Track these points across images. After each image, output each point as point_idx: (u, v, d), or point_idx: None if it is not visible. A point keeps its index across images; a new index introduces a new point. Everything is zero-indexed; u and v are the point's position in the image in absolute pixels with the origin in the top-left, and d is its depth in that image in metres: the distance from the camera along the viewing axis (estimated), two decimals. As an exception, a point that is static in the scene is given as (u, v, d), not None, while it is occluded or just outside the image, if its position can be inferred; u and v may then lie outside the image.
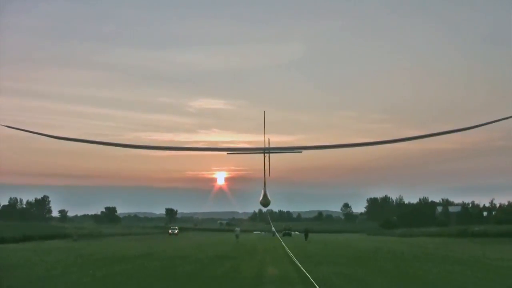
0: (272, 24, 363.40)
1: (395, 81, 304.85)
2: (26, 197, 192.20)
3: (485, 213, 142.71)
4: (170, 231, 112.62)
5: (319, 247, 47.99)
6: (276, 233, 52.55)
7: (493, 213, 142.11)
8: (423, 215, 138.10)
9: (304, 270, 22.54)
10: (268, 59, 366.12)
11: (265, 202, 17.30)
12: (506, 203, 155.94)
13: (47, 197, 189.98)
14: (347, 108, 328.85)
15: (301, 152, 17.79)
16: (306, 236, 73.07)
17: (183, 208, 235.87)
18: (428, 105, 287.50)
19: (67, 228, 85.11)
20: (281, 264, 28.30)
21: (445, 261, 30.63)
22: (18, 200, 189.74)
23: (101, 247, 47.16)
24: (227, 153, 18.24)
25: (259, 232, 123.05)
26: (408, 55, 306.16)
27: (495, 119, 13.72)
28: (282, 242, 29.45)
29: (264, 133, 17.81)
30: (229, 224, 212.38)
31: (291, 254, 23.92)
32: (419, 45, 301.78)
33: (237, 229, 75.84)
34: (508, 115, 13.28)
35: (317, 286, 17.68)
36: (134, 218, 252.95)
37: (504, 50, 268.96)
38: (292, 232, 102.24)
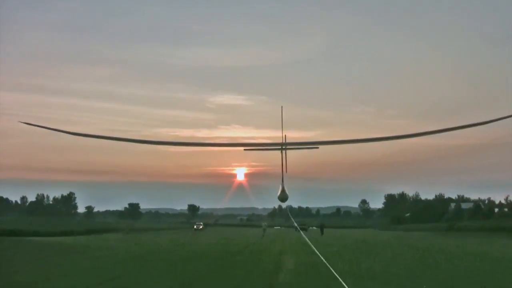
0: (290, 20, 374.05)
1: (412, 77, 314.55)
2: (52, 193, 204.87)
3: (496, 210, 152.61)
4: (195, 227, 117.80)
5: (328, 239, 60.81)
6: (298, 227, 59.88)
7: (505, 209, 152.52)
8: (435, 211, 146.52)
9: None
10: (287, 55, 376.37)
11: (283, 197, 17.24)
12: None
13: (73, 193, 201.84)
14: (365, 104, 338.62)
15: (318, 147, 17.77)
16: (321, 231, 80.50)
17: (203, 204, 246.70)
18: (446, 101, 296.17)
19: (116, 224, 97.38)
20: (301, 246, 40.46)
21: (397, 247, 42.81)
22: (45, 196, 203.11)
23: (155, 238, 59.80)
24: (244, 149, 17.97)
25: (279, 227, 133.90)
26: (426, 51, 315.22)
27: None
28: (303, 234, 39.87)
29: (282, 129, 17.91)
30: (249, 220, 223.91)
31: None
32: (436, 41, 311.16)
33: (264, 223, 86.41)
34: None
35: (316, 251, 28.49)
36: (155, 214, 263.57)
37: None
38: (309, 227, 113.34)
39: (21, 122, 13.80)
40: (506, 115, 13.11)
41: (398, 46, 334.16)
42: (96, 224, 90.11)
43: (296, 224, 48.17)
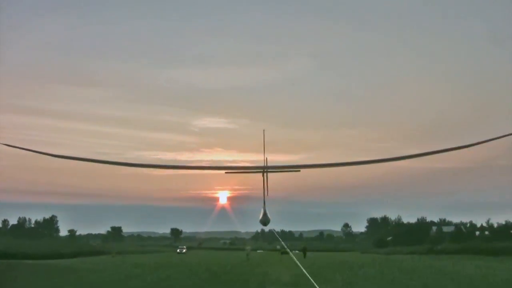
0: (273, 42, 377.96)
1: (395, 99, 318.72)
2: (34, 216, 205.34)
3: (477, 233, 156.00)
4: (178, 250, 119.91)
5: (308, 261, 63.50)
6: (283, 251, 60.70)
7: (485, 232, 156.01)
8: (417, 234, 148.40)
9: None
10: (271, 77, 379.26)
11: (265, 220, 17.63)
12: (504, 223, 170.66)
13: (55, 216, 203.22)
14: (349, 127, 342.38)
15: (299, 171, 18.16)
16: (304, 254, 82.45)
17: (185, 227, 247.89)
18: (430, 123, 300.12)
19: (101, 247, 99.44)
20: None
21: (368, 265, 45.57)
22: (27, 219, 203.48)
23: (144, 259, 62.03)
24: (225, 172, 18.66)
25: (261, 251, 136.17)
26: (410, 73, 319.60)
27: (494, 136, 13.48)
28: (291, 255, 41.58)
29: (264, 152, 18.40)
30: (232, 244, 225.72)
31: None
32: (422, 63, 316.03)
33: (248, 248, 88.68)
34: (508, 133, 13.37)
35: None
36: (137, 238, 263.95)
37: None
38: (292, 251, 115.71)
39: (2, 143, 14.25)
40: (489, 137, 13.82)
41: (383, 69, 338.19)
42: (84, 246, 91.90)
43: (283, 246, 50.01)
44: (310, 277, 24.39)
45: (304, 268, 25.27)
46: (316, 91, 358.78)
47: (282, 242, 55.41)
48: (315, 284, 23.19)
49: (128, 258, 69.15)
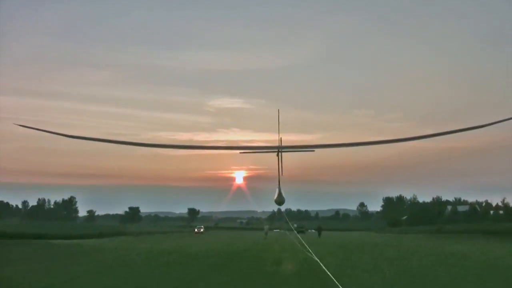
0: (289, 23, 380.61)
1: (412, 80, 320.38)
2: (52, 197, 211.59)
3: (492, 212, 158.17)
4: (196, 230, 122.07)
5: (322, 240, 67.13)
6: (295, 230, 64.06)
7: (500, 212, 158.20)
8: (432, 214, 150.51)
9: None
10: (286, 58, 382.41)
11: (280, 200, 17.68)
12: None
13: (74, 197, 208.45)
14: (364, 107, 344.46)
15: (314, 151, 18.21)
16: (319, 233, 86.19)
17: (202, 207, 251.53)
18: (445, 104, 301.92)
19: (121, 228, 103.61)
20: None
21: (374, 246, 48.75)
22: (46, 200, 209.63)
23: (165, 241, 65.85)
24: (240, 152, 18.62)
25: (278, 230, 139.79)
26: (424, 54, 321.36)
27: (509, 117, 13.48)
28: (298, 236, 43.61)
29: (279, 132, 18.23)
30: (248, 223, 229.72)
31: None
32: (435, 44, 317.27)
33: (266, 227, 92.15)
34: None
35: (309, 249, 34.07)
36: (154, 218, 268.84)
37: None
38: (308, 230, 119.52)
39: (16, 124, 14.61)
40: (504, 117, 13.76)
41: (397, 49, 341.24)
42: (104, 227, 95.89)
43: (292, 227, 52.90)
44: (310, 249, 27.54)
45: (314, 246, 27.95)
46: (332, 74, 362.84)
47: (292, 226, 58.01)
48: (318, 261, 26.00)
49: (151, 239, 72.95)
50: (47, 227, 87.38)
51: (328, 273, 19.48)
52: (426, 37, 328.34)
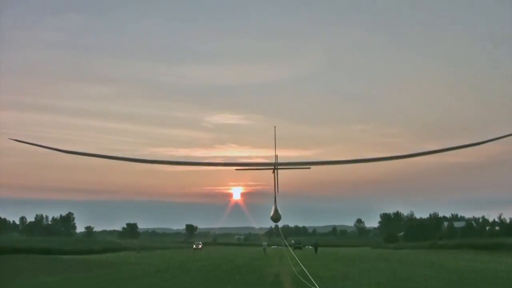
0: (287, 37, 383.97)
1: (410, 95, 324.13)
2: (51, 213, 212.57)
3: (488, 228, 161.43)
4: (194, 246, 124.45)
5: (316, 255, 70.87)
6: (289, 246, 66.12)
7: (496, 228, 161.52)
8: (428, 230, 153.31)
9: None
10: (285, 73, 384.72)
11: (276, 217, 17.93)
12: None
13: (72, 213, 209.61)
14: (362, 122, 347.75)
15: (310, 167, 18.32)
16: (316, 249, 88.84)
17: (199, 223, 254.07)
18: (444, 119, 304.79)
19: (124, 243, 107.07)
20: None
21: (366, 260, 51.97)
22: (44, 216, 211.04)
23: (167, 255, 69.30)
24: (236, 169, 18.73)
25: (276, 246, 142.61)
26: (424, 69, 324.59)
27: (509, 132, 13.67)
28: (292, 252, 46.01)
29: (275, 148, 18.49)
30: (246, 239, 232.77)
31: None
32: (436, 58, 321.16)
33: (265, 243, 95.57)
34: None
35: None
36: (152, 234, 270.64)
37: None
38: (305, 246, 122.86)
39: (11, 139, 14.56)
40: (504, 132, 13.81)
41: (396, 64, 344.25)
42: (108, 244, 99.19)
43: (289, 243, 55.87)
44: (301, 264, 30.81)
45: (310, 260, 31.01)
46: (329, 88, 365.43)
47: (286, 242, 59.93)
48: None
49: (154, 254, 76.40)
50: (47, 242, 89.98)
51: (314, 283, 21.91)
52: (425, 51, 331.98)
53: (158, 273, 35.21)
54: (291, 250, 37.28)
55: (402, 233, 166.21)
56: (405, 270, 36.19)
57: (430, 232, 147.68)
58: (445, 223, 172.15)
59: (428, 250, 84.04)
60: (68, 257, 60.21)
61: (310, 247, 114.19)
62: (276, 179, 18.72)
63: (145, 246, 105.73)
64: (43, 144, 15.34)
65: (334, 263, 46.28)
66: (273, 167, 18.51)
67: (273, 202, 18.61)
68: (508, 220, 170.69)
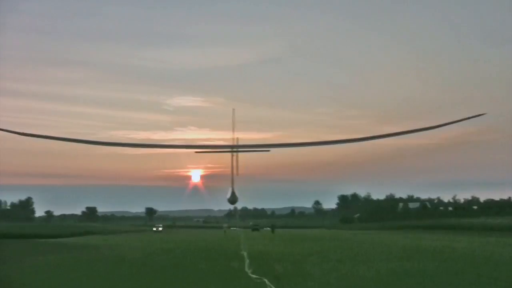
0: (249, 21, 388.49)
1: (370, 77, 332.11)
2: (9, 198, 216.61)
3: (441, 208, 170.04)
4: (154, 229, 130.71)
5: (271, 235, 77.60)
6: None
7: (449, 208, 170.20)
8: (384, 211, 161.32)
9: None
10: (246, 56, 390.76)
11: (233, 199, 18.41)
12: (470, 198, 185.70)
13: (31, 198, 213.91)
14: (323, 105, 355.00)
15: (269, 150, 18.49)
16: (272, 230, 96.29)
17: (158, 207, 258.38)
18: (402, 102, 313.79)
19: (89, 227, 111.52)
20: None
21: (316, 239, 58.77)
22: (2, 201, 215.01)
23: (133, 239, 74.76)
24: (195, 151, 18.59)
25: (235, 228, 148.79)
26: (385, 52, 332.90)
27: (468, 115, 13.95)
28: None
29: (233, 132, 18.67)
30: (206, 222, 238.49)
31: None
32: (396, 42, 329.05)
33: (225, 225, 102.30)
34: (479, 113, 14.08)
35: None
36: (111, 217, 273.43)
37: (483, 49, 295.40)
38: (262, 228, 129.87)
39: None
40: (461, 117, 14.45)
41: (357, 47, 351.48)
42: (72, 228, 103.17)
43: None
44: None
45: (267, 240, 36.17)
46: (290, 72, 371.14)
47: (245, 221, 62.48)
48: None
49: (119, 237, 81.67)
50: (11, 227, 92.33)
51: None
52: (388, 32, 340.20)
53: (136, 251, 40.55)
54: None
55: (358, 215, 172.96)
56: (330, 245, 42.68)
57: (385, 213, 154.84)
58: (401, 205, 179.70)
59: (378, 231, 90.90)
60: (44, 240, 64.30)
61: (268, 228, 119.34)
62: (234, 161, 19.56)
63: (108, 230, 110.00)
64: None
65: (287, 242, 52.70)
66: (231, 150, 19.28)
67: (230, 185, 19.48)
68: (462, 201, 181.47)
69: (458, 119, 15.05)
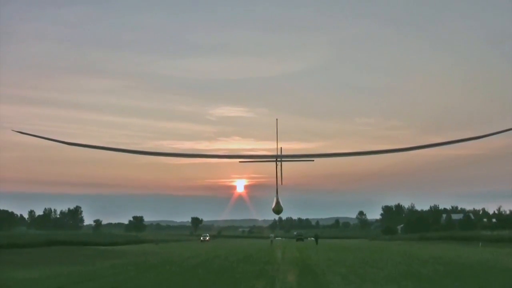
0: (290, 31, 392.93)
1: (414, 87, 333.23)
2: (59, 207, 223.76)
3: (485, 220, 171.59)
4: (201, 238, 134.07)
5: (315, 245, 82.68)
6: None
7: (493, 220, 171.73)
8: (427, 222, 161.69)
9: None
10: (288, 66, 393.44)
11: (278, 209, 18.57)
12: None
13: (79, 207, 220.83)
14: (365, 115, 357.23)
15: (313, 160, 18.85)
16: (316, 241, 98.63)
17: (203, 216, 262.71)
18: (447, 112, 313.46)
19: (141, 236, 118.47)
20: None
21: (350, 249, 63.75)
22: (52, 210, 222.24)
23: (184, 247, 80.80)
24: (239, 161, 18.93)
25: (280, 238, 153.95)
26: (429, 62, 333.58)
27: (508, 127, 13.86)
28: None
29: (277, 141, 18.83)
30: (251, 232, 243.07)
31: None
32: (441, 52, 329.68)
33: (272, 235, 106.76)
34: None
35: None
36: (157, 226, 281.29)
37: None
38: (307, 238, 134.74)
39: (14, 130, 14.93)
40: (506, 127, 14.46)
41: (400, 57, 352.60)
42: (122, 237, 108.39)
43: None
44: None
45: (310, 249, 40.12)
46: (332, 81, 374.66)
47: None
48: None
49: (170, 246, 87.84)
50: (61, 235, 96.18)
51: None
52: (429, 42, 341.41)
53: (185, 259, 46.13)
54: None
55: (401, 226, 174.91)
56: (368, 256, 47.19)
57: (429, 224, 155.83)
58: (444, 216, 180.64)
59: (418, 241, 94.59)
60: (94, 248, 69.49)
61: (312, 238, 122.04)
62: (278, 171, 19.69)
63: (157, 238, 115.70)
64: (47, 137, 15.69)
65: (330, 252, 57.91)
66: (276, 159, 19.46)
67: (275, 194, 19.55)
68: (508, 212, 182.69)
69: (504, 129, 15.12)
